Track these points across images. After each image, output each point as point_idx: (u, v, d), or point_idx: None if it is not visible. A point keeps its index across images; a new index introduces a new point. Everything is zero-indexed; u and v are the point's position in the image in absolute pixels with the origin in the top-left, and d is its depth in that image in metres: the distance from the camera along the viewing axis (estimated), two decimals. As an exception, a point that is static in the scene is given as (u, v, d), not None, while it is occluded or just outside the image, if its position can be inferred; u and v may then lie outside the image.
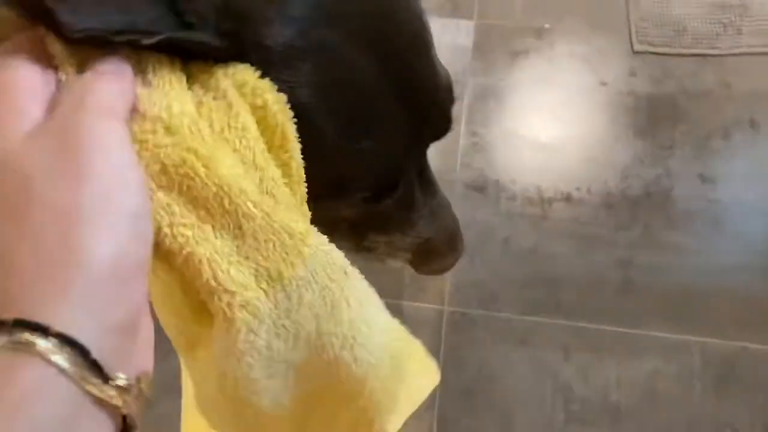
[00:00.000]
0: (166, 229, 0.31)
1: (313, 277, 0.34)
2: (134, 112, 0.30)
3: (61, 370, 0.24)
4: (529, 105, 1.24)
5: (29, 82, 0.28)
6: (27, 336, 0.23)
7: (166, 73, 0.31)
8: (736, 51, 1.23)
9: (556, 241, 1.14)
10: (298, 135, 0.35)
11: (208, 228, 0.31)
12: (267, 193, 0.33)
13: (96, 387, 0.25)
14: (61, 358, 0.23)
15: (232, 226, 0.32)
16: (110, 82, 0.29)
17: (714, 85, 1.22)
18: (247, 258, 0.32)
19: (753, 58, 1.23)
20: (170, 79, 0.31)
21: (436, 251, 0.55)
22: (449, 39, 1.27)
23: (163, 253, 0.31)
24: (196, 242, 0.31)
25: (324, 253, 0.34)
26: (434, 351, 1.07)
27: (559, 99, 1.24)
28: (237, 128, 0.32)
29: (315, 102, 0.36)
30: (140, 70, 0.31)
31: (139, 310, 0.28)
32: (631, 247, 1.13)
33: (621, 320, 1.09)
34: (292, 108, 0.34)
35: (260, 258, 0.32)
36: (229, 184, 0.31)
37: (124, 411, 0.26)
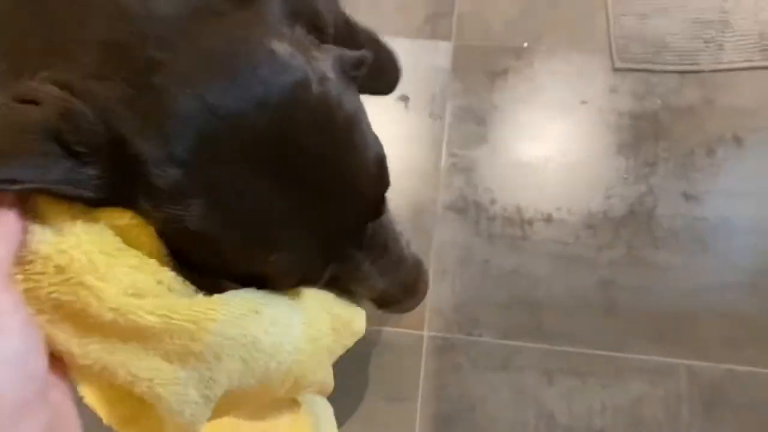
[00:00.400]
0: (75, 349, 0.34)
1: (224, 336, 0.38)
2: (25, 251, 0.33)
3: None
4: (509, 125, 1.22)
5: None
6: None
7: (58, 211, 0.35)
8: (719, 67, 1.22)
9: (537, 263, 1.11)
10: (204, 246, 0.39)
11: (114, 340, 0.35)
12: (169, 290, 0.38)
13: None
14: None
15: (134, 335, 0.35)
16: None
17: (697, 101, 1.20)
18: (155, 351, 0.36)
19: (735, 73, 1.21)
20: (62, 216, 0.35)
21: (393, 299, 0.57)
22: (427, 60, 1.26)
23: (78, 368, 0.35)
24: (108, 353, 0.35)
25: (232, 312, 0.39)
26: (415, 377, 1.05)
27: (540, 118, 1.22)
28: (123, 248, 0.36)
29: (209, 227, 0.38)
30: (31, 209, 0.34)
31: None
32: (614, 267, 1.11)
33: (605, 343, 1.06)
34: (187, 232, 0.38)
35: (169, 347, 0.36)
36: (122, 306, 0.34)
37: None
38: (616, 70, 1.23)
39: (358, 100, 0.47)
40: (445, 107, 1.22)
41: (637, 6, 1.28)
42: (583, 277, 1.10)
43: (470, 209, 1.16)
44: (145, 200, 0.37)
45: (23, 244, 0.32)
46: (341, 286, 0.54)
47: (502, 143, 1.21)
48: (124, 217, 0.37)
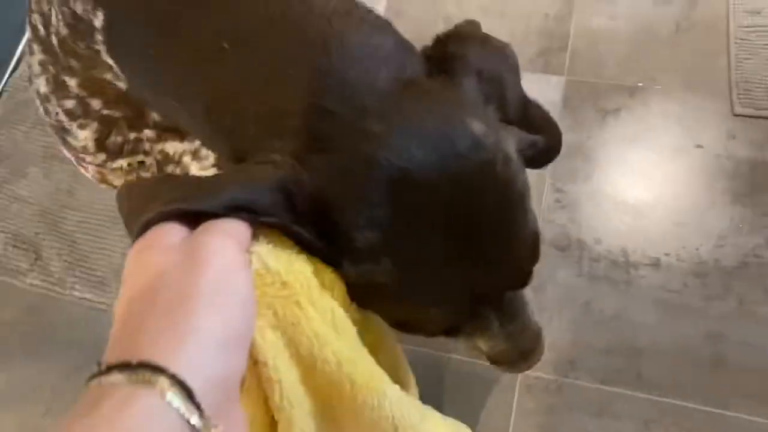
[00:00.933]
0: (271, 361, 0.38)
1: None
2: (260, 264, 0.39)
3: (170, 404, 0.29)
4: (617, 164, 1.20)
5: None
6: (146, 374, 0.29)
7: (288, 244, 0.40)
8: None
9: (641, 309, 1.08)
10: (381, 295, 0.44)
11: (295, 364, 0.39)
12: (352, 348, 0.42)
13: (197, 424, 0.29)
14: (171, 394, 0.29)
15: (313, 365, 0.39)
16: (230, 221, 0.37)
17: (822, 152, 1.15)
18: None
19: None
20: (290, 243, 0.40)
21: (508, 360, 0.58)
22: (538, 94, 1.24)
23: (258, 375, 0.39)
24: (280, 371, 0.38)
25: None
26: (506, 414, 1.04)
27: (650, 160, 1.19)
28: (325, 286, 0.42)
29: (392, 281, 0.43)
30: (264, 234, 0.40)
31: (236, 375, 0.34)
32: (724, 320, 1.06)
33: (708, 399, 1.01)
34: (373, 284, 0.43)
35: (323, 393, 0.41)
36: (320, 334, 0.39)
37: None
38: (735, 115, 1.19)
39: (527, 178, 0.49)
40: (552, 142, 1.21)
41: (761, 50, 1.23)
42: (689, 327, 1.06)
43: (573, 247, 1.14)
44: (347, 260, 0.42)
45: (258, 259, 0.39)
46: (463, 338, 0.56)
47: (610, 182, 1.19)
48: (328, 267, 0.42)
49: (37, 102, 0.60)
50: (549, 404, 1.04)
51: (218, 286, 0.34)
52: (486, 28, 1.43)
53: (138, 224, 0.39)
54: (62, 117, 0.58)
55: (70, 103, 0.57)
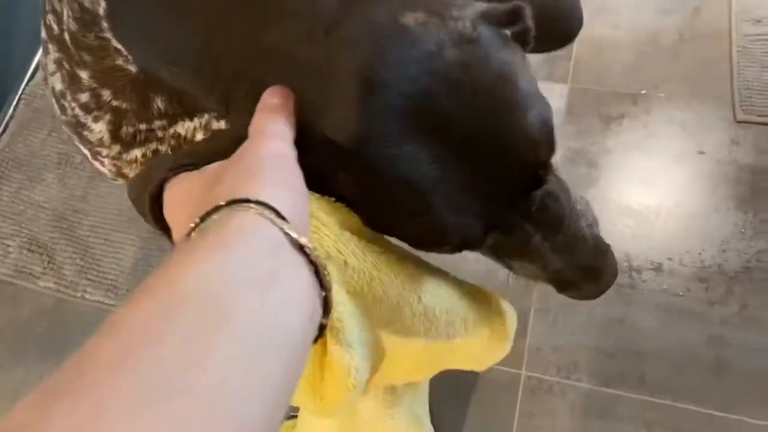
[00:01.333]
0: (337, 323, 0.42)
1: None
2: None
3: (266, 217, 0.32)
4: (621, 170, 1.22)
5: None
6: (236, 206, 0.32)
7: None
8: None
9: (645, 313, 1.09)
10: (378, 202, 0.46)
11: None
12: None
13: (291, 232, 0.32)
14: (264, 211, 0.32)
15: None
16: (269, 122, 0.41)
17: (825, 159, 1.16)
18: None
19: None
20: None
21: (571, 281, 0.53)
22: (542, 101, 1.27)
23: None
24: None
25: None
26: (509, 416, 1.05)
27: (654, 166, 1.21)
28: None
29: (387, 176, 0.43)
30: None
31: (300, 188, 0.38)
32: (726, 325, 1.07)
33: (711, 402, 1.02)
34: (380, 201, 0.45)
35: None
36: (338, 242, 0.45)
37: (316, 257, 0.33)
38: (738, 122, 1.20)
39: (516, 57, 0.45)
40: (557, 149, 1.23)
41: (763, 58, 1.25)
42: (692, 331, 1.07)
43: (577, 252, 1.15)
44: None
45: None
46: (511, 260, 0.53)
47: (613, 188, 1.20)
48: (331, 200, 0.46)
49: (53, 101, 0.62)
50: (552, 406, 1.05)
51: (276, 159, 0.38)
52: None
53: (144, 199, 0.41)
54: (78, 111, 0.60)
55: (84, 97, 0.58)
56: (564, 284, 0.53)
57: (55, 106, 0.63)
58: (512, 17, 0.45)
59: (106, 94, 0.58)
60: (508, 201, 0.46)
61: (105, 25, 0.53)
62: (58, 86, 0.60)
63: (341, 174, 0.44)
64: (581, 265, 0.52)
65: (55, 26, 0.59)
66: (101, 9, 0.52)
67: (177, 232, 0.39)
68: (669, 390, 1.04)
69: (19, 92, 1.49)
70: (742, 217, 1.14)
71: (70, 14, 0.55)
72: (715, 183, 1.17)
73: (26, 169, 1.40)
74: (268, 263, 0.30)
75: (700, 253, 1.12)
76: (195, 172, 0.41)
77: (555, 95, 1.28)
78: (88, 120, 0.60)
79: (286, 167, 0.38)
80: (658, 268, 1.12)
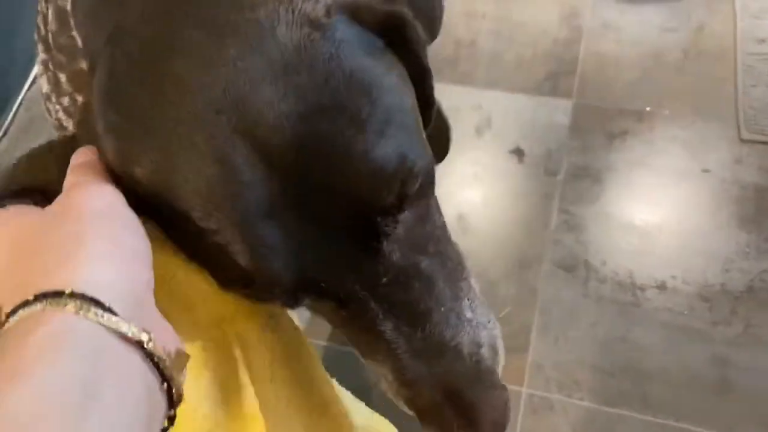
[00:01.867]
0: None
1: None
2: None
3: (84, 315, 0.27)
4: (624, 187, 1.21)
5: None
6: (48, 301, 0.27)
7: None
8: None
9: (647, 331, 1.08)
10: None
11: None
12: None
13: (114, 323, 0.27)
14: (83, 305, 0.27)
15: None
16: (79, 169, 0.37)
17: (829, 179, 1.15)
18: None
19: None
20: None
21: (430, 407, 0.39)
22: (546, 117, 1.27)
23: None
24: None
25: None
26: (509, 433, 1.03)
27: (657, 183, 1.20)
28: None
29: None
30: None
31: (143, 285, 0.32)
32: (730, 345, 1.06)
33: (714, 423, 1.01)
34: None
35: None
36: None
37: (150, 347, 0.29)
38: (742, 141, 1.20)
39: (384, 70, 0.36)
40: (560, 164, 1.22)
41: (768, 77, 1.25)
42: (695, 351, 1.06)
43: (580, 268, 1.14)
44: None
45: None
46: (358, 347, 0.41)
47: (617, 205, 1.20)
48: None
49: (43, 104, 0.61)
50: (553, 424, 1.04)
51: (101, 214, 0.32)
52: (495, 51, 1.45)
53: None
54: (61, 115, 0.58)
55: (66, 101, 0.57)
56: (421, 408, 0.39)
57: (45, 110, 0.62)
58: (389, 22, 0.37)
59: (80, 99, 0.56)
60: (335, 255, 0.36)
61: (72, 22, 0.50)
62: (45, 88, 0.59)
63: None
64: (446, 385, 0.38)
65: (42, 27, 0.57)
66: (68, 4, 0.49)
67: None
68: (671, 410, 1.02)
69: (20, 97, 1.49)
70: (746, 236, 1.13)
71: (52, 14, 0.54)
72: (719, 202, 1.17)
73: (25, 175, 1.39)
74: (86, 377, 0.25)
75: (703, 272, 1.12)
76: (12, 213, 0.35)
77: (559, 111, 1.27)
78: (69, 125, 0.59)
79: (116, 221, 0.33)
80: (661, 286, 1.11)
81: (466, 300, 0.40)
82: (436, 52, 1.38)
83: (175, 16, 0.35)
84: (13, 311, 0.27)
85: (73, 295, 0.27)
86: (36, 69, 1.48)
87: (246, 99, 0.32)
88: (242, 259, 0.35)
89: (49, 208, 0.34)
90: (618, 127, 1.25)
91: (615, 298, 1.11)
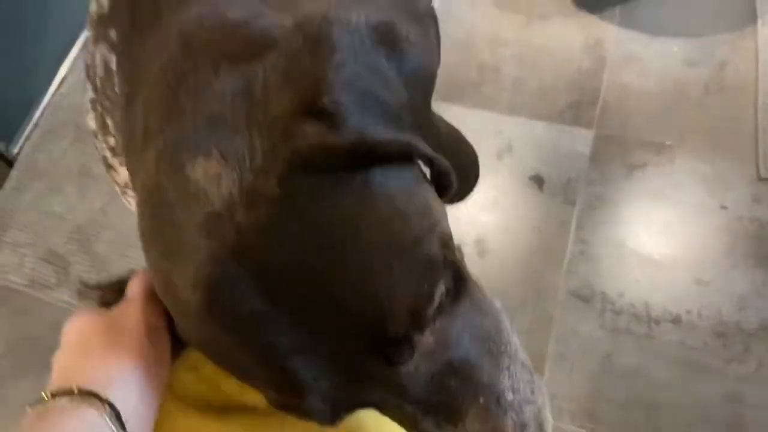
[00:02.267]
0: None
1: None
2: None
3: (106, 419, 0.38)
4: (642, 219, 1.22)
5: None
6: (87, 398, 0.39)
7: None
8: None
9: (661, 364, 1.09)
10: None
11: None
12: None
13: None
14: (108, 412, 0.38)
15: None
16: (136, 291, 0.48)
17: None
18: None
19: None
20: None
21: None
22: (567, 146, 1.28)
23: None
24: None
25: None
26: (520, 461, 1.04)
27: (675, 217, 1.21)
28: None
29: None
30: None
31: (149, 410, 0.43)
32: (743, 382, 1.07)
33: (726, 460, 1.02)
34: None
35: None
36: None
37: None
38: (761, 179, 1.21)
39: (422, 193, 0.37)
40: (579, 193, 1.23)
41: (788, 116, 1.26)
42: (708, 387, 1.07)
43: (596, 299, 1.15)
44: None
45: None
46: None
47: (634, 236, 1.21)
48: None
49: (92, 139, 0.63)
50: (565, 455, 1.04)
51: (138, 344, 0.43)
52: (518, 77, 1.45)
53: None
54: (107, 153, 0.60)
55: (112, 141, 0.58)
56: None
57: (77, 123, 0.63)
58: (407, 153, 0.37)
59: None
60: (360, 376, 0.36)
61: (116, 80, 0.51)
62: (92, 125, 0.60)
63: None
64: None
65: (90, 66, 0.58)
66: (113, 64, 0.52)
67: (54, 372, 0.43)
68: (683, 445, 1.03)
69: (44, 103, 1.50)
70: (762, 275, 1.14)
71: (99, 59, 0.55)
72: (736, 239, 1.18)
73: (46, 180, 1.40)
74: None
75: (718, 308, 1.12)
76: (92, 317, 0.45)
77: (580, 140, 1.28)
78: (115, 163, 0.60)
79: (153, 342, 0.44)
80: (676, 320, 1.12)
81: (506, 379, 0.39)
82: (460, 77, 1.39)
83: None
84: (57, 394, 0.39)
85: (105, 401, 0.38)
86: (60, 76, 1.50)
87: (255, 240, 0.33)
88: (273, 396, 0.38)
89: (108, 314, 0.45)
90: (638, 158, 1.26)
91: (630, 330, 1.12)
